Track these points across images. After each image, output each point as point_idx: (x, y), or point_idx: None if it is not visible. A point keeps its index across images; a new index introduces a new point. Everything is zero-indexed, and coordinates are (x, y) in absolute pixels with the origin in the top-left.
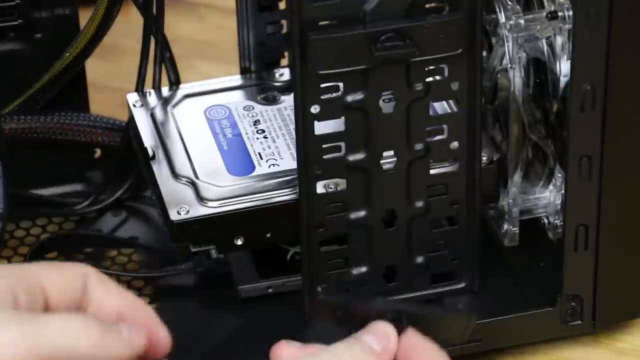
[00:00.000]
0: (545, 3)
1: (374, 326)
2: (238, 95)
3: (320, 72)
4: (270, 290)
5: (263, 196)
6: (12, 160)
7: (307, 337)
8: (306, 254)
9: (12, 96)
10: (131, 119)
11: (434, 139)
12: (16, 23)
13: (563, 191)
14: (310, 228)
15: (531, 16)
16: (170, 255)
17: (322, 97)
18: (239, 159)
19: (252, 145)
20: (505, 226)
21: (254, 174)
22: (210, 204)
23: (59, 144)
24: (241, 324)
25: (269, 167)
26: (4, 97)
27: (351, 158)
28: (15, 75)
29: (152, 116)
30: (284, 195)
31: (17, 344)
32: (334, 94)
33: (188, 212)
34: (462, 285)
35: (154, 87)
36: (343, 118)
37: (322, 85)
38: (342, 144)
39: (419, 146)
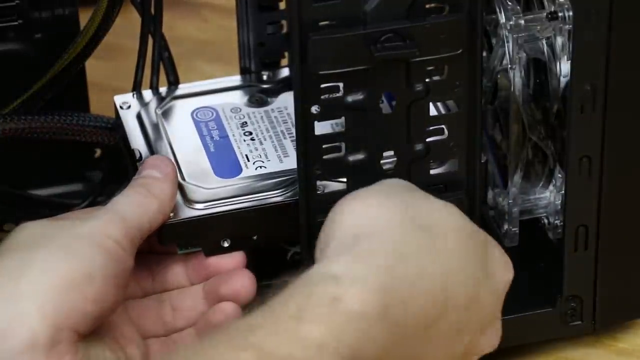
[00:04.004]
0: (546, 3)
1: None
2: (225, 97)
3: (320, 72)
4: None
5: (250, 198)
6: (12, 160)
7: None
8: (306, 254)
9: (12, 96)
10: (118, 120)
11: (434, 139)
12: (16, 23)
13: (563, 191)
14: (310, 228)
15: (531, 16)
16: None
17: (322, 97)
18: (226, 161)
19: (239, 147)
20: (505, 226)
21: (240, 176)
22: (197, 205)
23: (59, 144)
24: None
25: (256, 169)
26: (4, 97)
27: (351, 158)
28: (15, 75)
29: (139, 118)
30: (271, 197)
31: None
32: (334, 94)
33: (175, 214)
34: None
35: (151, 88)
36: (343, 118)
37: (322, 86)
38: (342, 144)
39: (419, 146)
